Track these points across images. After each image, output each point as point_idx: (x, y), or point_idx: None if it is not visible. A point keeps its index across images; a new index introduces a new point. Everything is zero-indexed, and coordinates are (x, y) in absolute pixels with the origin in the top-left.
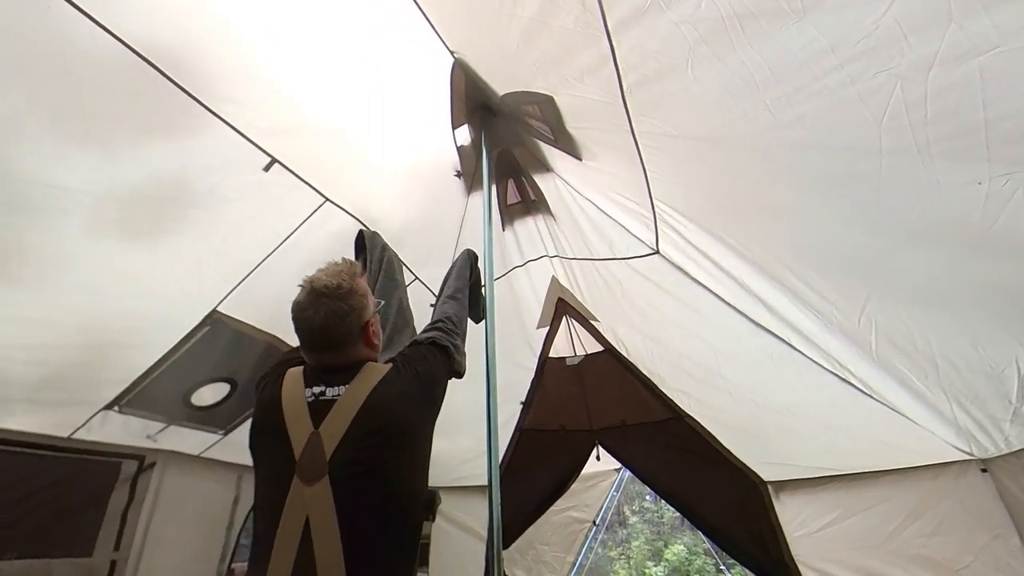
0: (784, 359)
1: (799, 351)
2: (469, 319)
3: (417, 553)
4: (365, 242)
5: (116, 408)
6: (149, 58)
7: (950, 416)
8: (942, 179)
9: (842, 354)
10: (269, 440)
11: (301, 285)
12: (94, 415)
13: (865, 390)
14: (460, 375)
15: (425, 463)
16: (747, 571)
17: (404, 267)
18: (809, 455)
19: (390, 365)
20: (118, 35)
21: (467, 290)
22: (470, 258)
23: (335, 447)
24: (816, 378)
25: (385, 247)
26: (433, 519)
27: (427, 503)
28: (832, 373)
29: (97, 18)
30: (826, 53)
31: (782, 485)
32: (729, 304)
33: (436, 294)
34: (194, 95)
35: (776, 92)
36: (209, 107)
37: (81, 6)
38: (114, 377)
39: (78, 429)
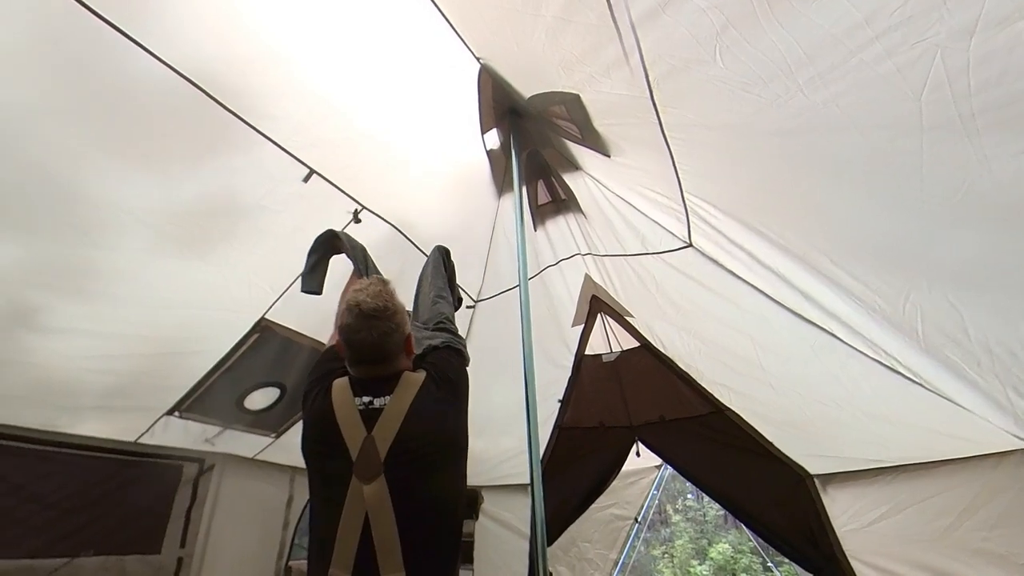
0: (826, 349)
1: (842, 340)
2: None
3: (460, 548)
4: (341, 242)
5: (176, 413)
6: (197, 82)
7: (1006, 404)
8: (989, 152)
9: (887, 342)
10: (325, 447)
11: (347, 308)
12: (157, 420)
13: (914, 379)
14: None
15: (463, 463)
16: (796, 569)
17: None
18: (857, 447)
19: (424, 374)
20: (170, 63)
21: (449, 289)
22: (442, 254)
23: (387, 449)
24: (861, 367)
25: (363, 247)
26: (476, 517)
27: (470, 501)
28: (878, 362)
29: (151, 49)
30: (860, 26)
31: (830, 478)
32: (767, 295)
33: (416, 291)
34: (238, 114)
35: (809, 72)
36: (252, 124)
37: (137, 39)
38: (174, 384)
39: (143, 434)
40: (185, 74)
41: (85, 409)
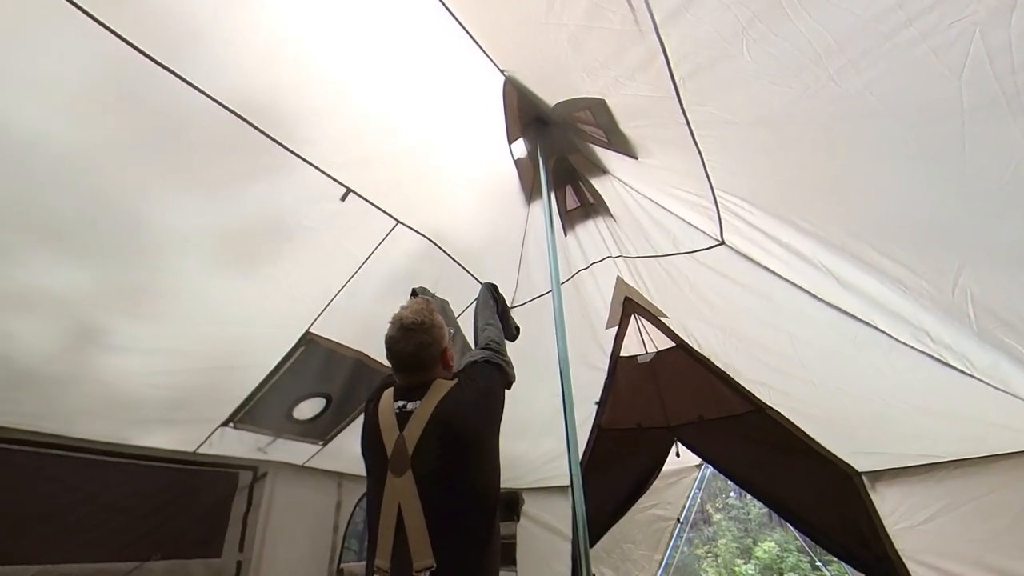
0: (868, 343)
1: (885, 333)
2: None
3: (495, 540)
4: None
5: (231, 424)
6: (241, 112)
7: None
8: None
9: (936, 328)
10: (372, 444)
11: (391, 322)
12: (213, 431)
13: (966, 369)
14: (513, 382)
15: (492, 461)
16: (846, 568)
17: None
18: (906, 442)
19: (455, 381)
20: (216, 97)
21: (497, 318)
22: (490, 290)
23: (414, 447)
24: (907, 360)
25: (443, 301)
26: (518, 519)
27: (511, 504)
28: (925, 354)
29: (200, 86)
30: (892, 10)
31: (878, 475)
32: (804, 290)
33: (473, 331)
34: (279, 140)
35: (840, 60)
36: (291, 149)
37: (187, 77)
38: (228, 397)
39: (201, 444)
40: (229, 106)
41: (149, 422)
